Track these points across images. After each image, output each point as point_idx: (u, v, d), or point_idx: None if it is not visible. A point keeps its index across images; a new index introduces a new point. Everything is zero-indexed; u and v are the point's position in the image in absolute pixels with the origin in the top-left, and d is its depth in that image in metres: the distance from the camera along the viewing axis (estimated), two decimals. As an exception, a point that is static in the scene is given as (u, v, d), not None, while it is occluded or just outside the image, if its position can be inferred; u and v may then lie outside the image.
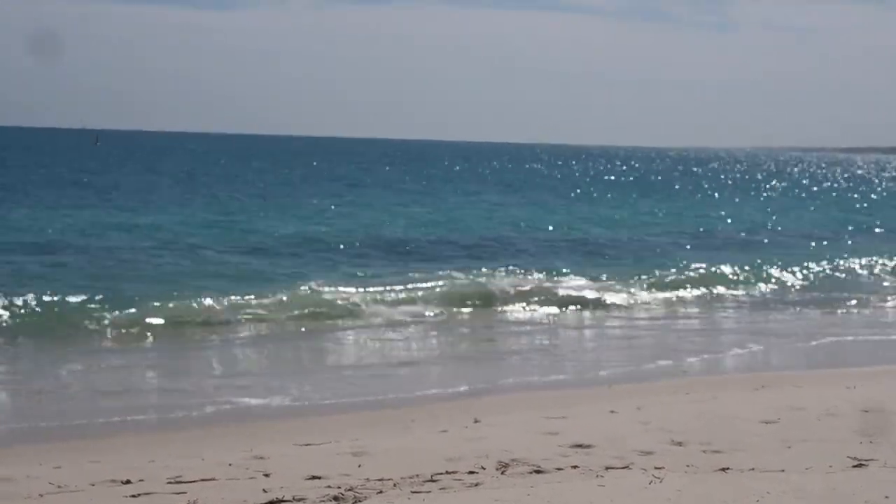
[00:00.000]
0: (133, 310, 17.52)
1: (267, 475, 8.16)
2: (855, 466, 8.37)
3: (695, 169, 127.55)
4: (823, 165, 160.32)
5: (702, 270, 25.58)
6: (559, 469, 8.29)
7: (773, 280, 25.39)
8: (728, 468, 8.29)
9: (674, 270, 25.50)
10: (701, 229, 40.06)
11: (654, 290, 22.90)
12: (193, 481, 8.02)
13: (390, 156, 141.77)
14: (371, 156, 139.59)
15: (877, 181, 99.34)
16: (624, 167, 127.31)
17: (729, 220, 44.83)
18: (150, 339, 16.59)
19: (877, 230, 42.60)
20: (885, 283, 26.15)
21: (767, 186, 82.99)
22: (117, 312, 17.28)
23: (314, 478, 8.05)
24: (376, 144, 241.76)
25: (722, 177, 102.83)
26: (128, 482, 8.03)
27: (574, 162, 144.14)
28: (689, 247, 33.04)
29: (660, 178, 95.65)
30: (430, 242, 31.90)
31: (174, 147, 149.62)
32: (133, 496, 7.70)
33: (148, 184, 56.87)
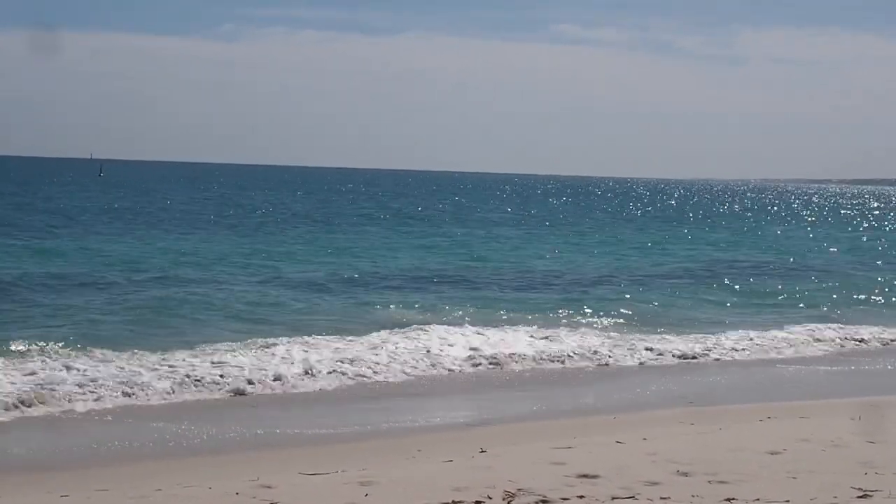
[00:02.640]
0: None
1: (274, 504, 8.18)
2: (860, 497, 8.37)
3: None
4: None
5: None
6: (565, 499, 8.30)
7: None
8: (734, 499, 8.29)
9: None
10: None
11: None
12: (201, 510, 8.04)
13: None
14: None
15: None
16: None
17: None
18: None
19: None
20: None
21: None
22: None
23: (321, 507, 8.07)
24: (395, 176, 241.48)
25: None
26: (136, 510, 8.06)
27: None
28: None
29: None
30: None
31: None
32: (141, 525, 7.73)
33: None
